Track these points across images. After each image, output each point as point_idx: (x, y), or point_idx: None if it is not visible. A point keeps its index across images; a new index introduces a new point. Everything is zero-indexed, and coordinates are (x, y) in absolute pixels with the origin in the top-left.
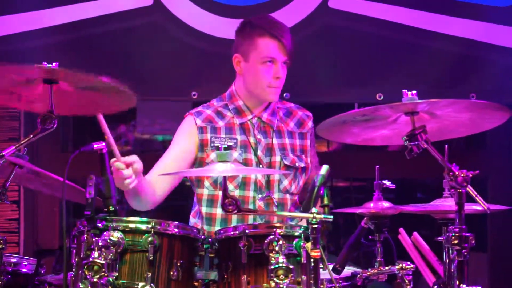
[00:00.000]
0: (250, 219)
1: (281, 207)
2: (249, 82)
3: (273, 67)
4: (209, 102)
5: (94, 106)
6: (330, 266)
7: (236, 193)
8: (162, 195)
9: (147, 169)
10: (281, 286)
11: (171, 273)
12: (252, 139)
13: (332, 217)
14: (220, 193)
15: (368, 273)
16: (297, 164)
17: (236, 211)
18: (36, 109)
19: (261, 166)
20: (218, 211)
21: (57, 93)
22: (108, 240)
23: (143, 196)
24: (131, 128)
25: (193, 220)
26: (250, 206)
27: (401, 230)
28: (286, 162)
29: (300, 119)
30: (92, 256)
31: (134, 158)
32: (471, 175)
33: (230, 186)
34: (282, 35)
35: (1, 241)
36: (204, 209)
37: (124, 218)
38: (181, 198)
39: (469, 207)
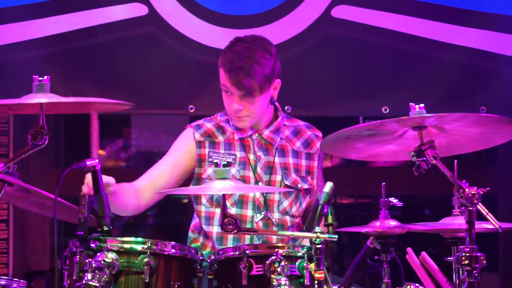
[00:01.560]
0: (247, 238)
1: (280, 229)
2: None
3: (231, 97)
4: (212, 115)
5: (88, 108)
6: None
7: (233, 211)
8: (147, 204)
9: None
10: None
11: None
12: (251, 156)
13: (336, 236)
14: (216, 210)
15: None
16: (299, 185)
17: (236, 231)
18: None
19: (260, 184)
20: (215, 229)
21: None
22: (102, 262)
23: (120, 207)
24: (127, 143)
25: (192, 236)
26: (248, 226)
27: (409, 250)
28: (287, 182)
29: (308, 139)
30: (85, 279)
31: (110, 180)
32: (481, 192)
33: (227, 204)
34: (231, 68)
35: None
36: (204, 227)
37: (119, 238)
38: (177, 215)
39: (480, 226)
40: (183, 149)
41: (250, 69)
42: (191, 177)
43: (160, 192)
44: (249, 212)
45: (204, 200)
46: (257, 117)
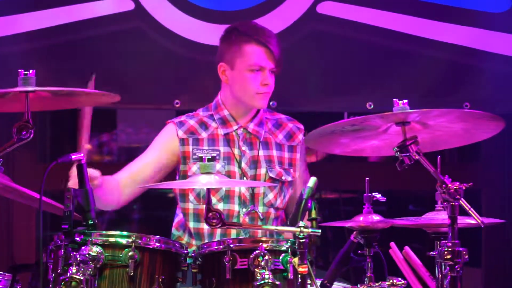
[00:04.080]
0: (233, 233)
1: (265, 222)
2: (237, 90)
3: (261, 74)
4: (194, 111)
5: (74, 104)
6: (318, 282)
7: (220, 206)
8: (128, 199)
9: None
10: None
11: None
12: (236, 151)
13: (320, 231)
14: (204, 207)
15: None
16: (283, 178)
17: (220, 225)
18: (12, 109)
19: (245, 178)
20: (205, 226)
21: (35, 98)
22: (87, 255)
23: (103, 200)
24: (113, 137)
25: (176, 233)
26: (235, 220)
27: (392, 244)
28: (271, 175)
29: (290, 131)
30: (70, 272)
31: (95, 174)
32: (464, 188)
33: (213, 200)
34: (270, 42)
35: None
36: (191, 224)
37: (104, 232)
38: (162, 209)
39: (463, 221)
40: (165, 146)
41: (280, 44)
42: (172, 174)
43: (144, 186)
44: (235, 207)
45: (191, 197)
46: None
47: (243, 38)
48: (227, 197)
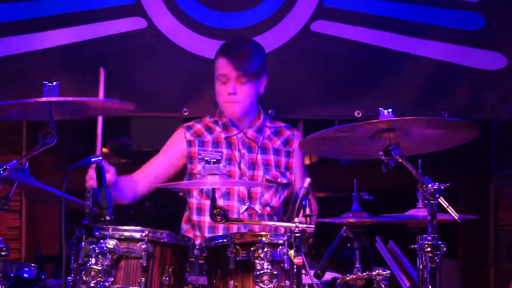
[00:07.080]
0: (235, 227)
1: (261, 219)
2: (217, 99)
3: (227, 84)
4: (202, 118)
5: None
6: (312, 272)
7: (221, 202)
8: (141, 195)
9: None
10: None
11: (163, 278)
12: (236, 153)
13: (313, 226)
14: (207, 202)
15: (347, 279)
16: (279, 180)
17: (224, 221)
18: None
19: (243, 178)
20: (207, 219)
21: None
22: (105, 248)
23: (120, 195)
24: (128, 142)
25: (185, 227)
26: (235, 216)
27: (378, 238)
28: (267, 177)
29: (288, 138)
30: (90, 263)
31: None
32: (442, 187)
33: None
34: (234, 53)
35: (4, 249)
36: (195, 217)
37: (120, 227)
38: (171, 206)
39: (441, 217)
40: (174, 148)
41: (250, 53)
42: (182, 172)
43: (156, 186)
44: (235, 204)
45: (195, 193)
46: (246, 106)
47: (218, 53)
48: (227, 194)
